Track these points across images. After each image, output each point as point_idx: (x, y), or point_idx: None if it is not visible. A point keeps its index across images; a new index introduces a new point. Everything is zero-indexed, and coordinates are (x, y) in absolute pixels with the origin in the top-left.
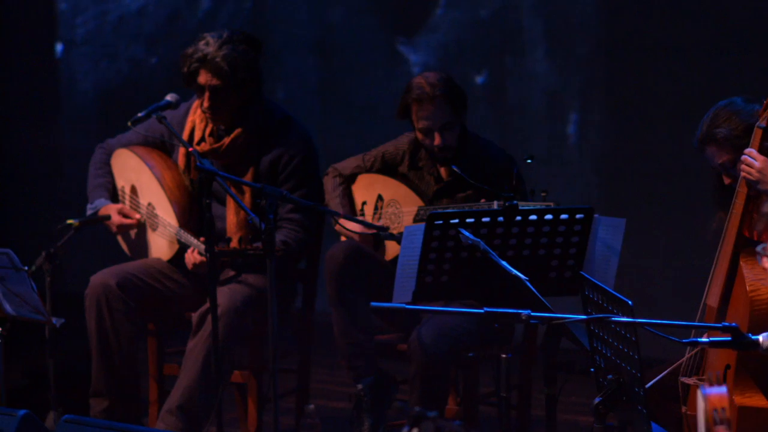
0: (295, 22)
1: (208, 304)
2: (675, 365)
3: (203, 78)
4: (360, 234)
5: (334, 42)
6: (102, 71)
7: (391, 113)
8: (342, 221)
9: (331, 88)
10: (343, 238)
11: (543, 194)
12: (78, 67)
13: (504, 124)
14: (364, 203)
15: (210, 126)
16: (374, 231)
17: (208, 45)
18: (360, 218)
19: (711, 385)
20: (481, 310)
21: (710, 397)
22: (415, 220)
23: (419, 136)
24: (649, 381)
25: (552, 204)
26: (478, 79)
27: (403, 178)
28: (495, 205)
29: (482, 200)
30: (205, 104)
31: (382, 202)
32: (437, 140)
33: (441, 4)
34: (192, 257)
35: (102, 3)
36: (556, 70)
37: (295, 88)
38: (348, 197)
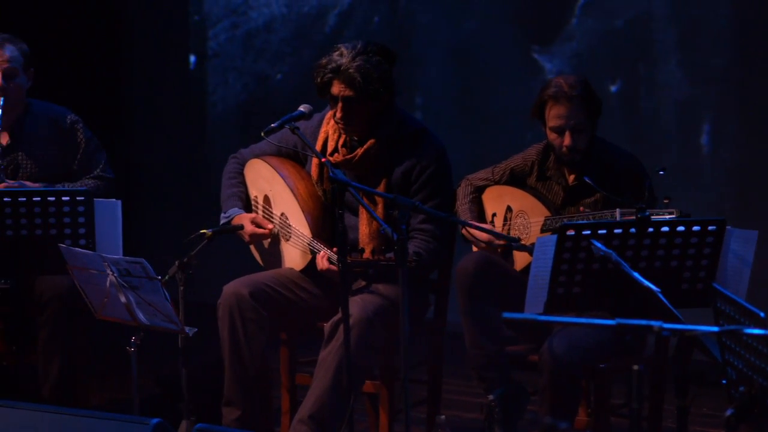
0: (434, 30)
1: (340, 314)
2: None
3: (336, 88)
4: (488, 244)
5: (471, 50)
6: (229, 86)
7: (526, 120)
8: (471, 230)
9: (467, 96)
10: (474, 249)
11: (666, 201)
12: (209, 79)
13: (636, 133)
14: (494, 215)
15: (343, 137)
16: (504, 241)
17: (342, 56)
18: (487, 226)
19: None
20: (613, 322)
21: None
22: (542, 230)
23: (549, 136)
24: None
25: (675, 211)
26: (612, 88)
27: (532, 190)
28: (617, 213)
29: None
30: (338, 115)
31: (511, 213)
32: (567, 140)
33: (576, 13)
34: (321, 262)
35: (232, 16)
36: (689, 80)
37: (432, 96)
38: (478, 205)
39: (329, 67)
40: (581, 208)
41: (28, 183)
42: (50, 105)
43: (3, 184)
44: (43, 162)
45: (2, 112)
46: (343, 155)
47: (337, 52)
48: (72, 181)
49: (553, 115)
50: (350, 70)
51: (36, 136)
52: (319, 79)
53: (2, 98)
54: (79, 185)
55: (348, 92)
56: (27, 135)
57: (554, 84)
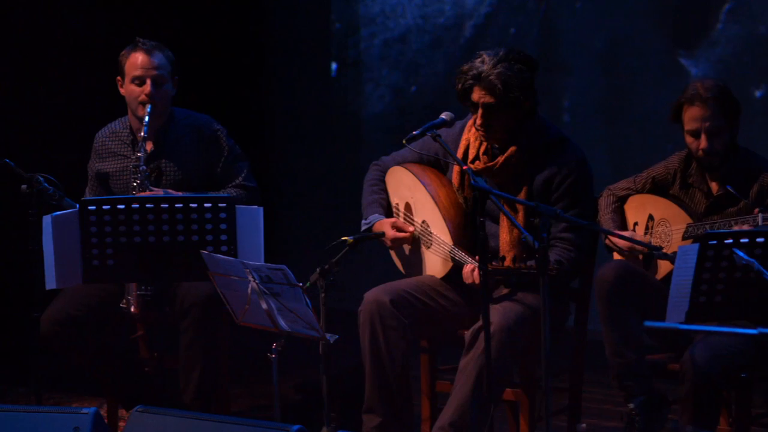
0: (582, 34)
1: (481, 322)
2: None
3: (477, 95)
4: (630, 252)
5: (618, 54)
6: (366, 95)
7: (670, 126)
8: (613, 239)
9: (613, 99)
10: (615, 257)
11: None
12: (349, 87)
13: None
14: (635, 224)
15: (484, 144)
16: (645, 249)
17: (484, 63)
18: (629, 234)
19: None
20: (755, 331)
21: None
22: (684, 238)
23: (687, 140)
24: None
25: None
26: (757, 93)
27: (674, 198)
28: (760, 218)
29: (756, 210)
30: (478, 121)
31: (653, 221)
32: (703, 143)
33: (721, 19)
34: (471, 275)
35: (370, 25)
36: None
37: (579, 99)
38: (620, 215)
39: (470, 73)
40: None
41: (171, 191)
42: (194, 113)
43: (147, 192)
44: (187, 169)
45: (149, 119)
46: (484, 163)
47: (478, 59)
48: (215, 189)
49: (689, 118)
50: (491, 77)
51: (180, 143)
52: (460, 86)
53: (150, 106)
54: (222, 193)
55: (488, 99)
56: (171, 142)
57: (691, 87)
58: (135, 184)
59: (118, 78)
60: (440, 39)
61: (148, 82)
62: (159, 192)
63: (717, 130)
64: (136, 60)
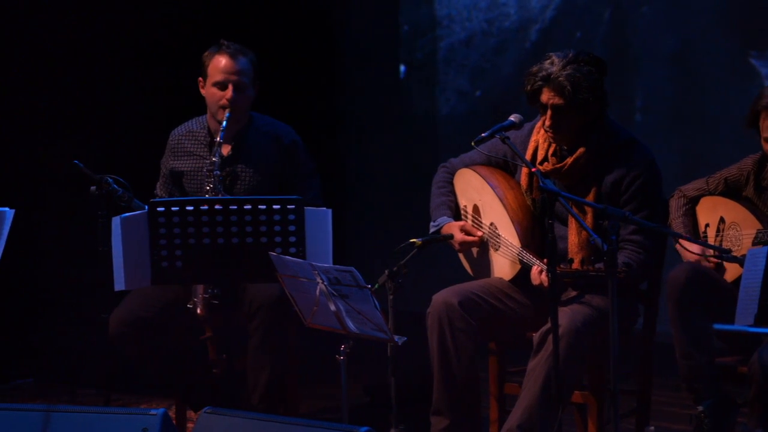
0: (651, 35)
1: (549, 324)
2: None
3: (545, 96)
4: (700, 256)
5: (688, 54)
6: (433, 99)
7: (741, 128)
8: (683, 242)
9: (684, 99)
10: (684, 259)
11: None
12: (416, 90)
13: None
14: (707, 225)
15: (553, 146)
16: (715, 253)
17: (553, 64)
18: (701, 240)
19: None
20: None
21: None
22: (754, 243)
23: (765, 146)
24: None
25: None
26: None
27: (747, 201)
28: None
29: None
30: (547, 123)
31: (724, 224)
32: None
33: None
34: (538, 277)
35: (437, 28)
36: None
37: (650, 98)
38: (692, 218)
39: (539, 75)
40: None
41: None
42: (274, 120)
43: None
44: (263, 175)
45: (227, 124)
46: (553, 164)
47: (548, 61)
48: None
49: (767, 126)
50: (560, 79)
51: (257, 149)
52: (529, 87)
53: (229, 111)
54: None
55: (557, 100)
56: (248, 148)
57: (767, 93)
58: (208, 188)
59: (200, 78)
60: (505, 43)
61: (230, 87)
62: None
63: None
64: (219, 63)
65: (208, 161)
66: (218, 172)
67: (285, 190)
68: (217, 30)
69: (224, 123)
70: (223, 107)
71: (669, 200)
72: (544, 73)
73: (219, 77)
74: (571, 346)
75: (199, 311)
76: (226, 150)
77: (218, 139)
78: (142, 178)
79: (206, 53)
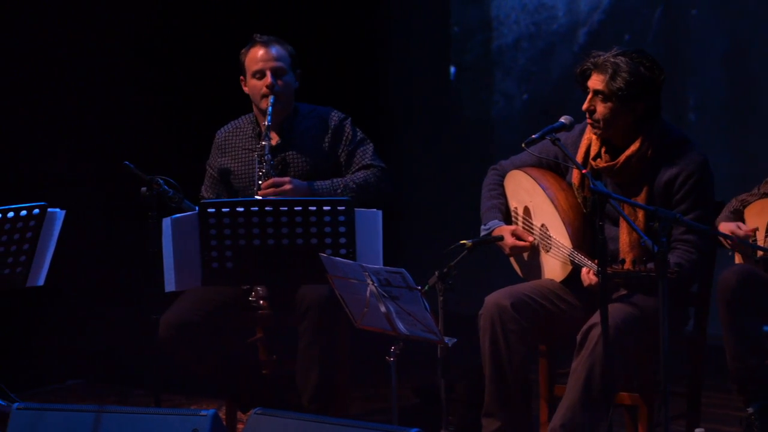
0: (704, 35)
1: (589, 323)
2: None
3: (591, 81)
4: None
5: (741, 54)
6: (481, 101)
7: None
8: (720, 227)
9: (737, 99)
10: (737, 261)
11: None
12: (466, 91)
13: None
14: (755, 229)
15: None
16: (750, 250)
17: (609, 52)
18: (752, 243)
19: None
20: None
21: None
22: None
23: None
24: None
25: None
26: None
27: None
28: None
29: None
30: (585, 105)
31: None
32: None
33: None
34: (588, 278)
35: (486, 30)
36: None
37: (704, 98)
38: (738, 216)
39: (591, 59)
40: None
41: (297, 180)
42: (316, 106)
43: (271, 180)
44: (314, 160)
45: (272, 109)
46: (606, 161)
47: (609, 52)
48: (340, 176)
49: None
50: (606, 64)
51: (307, 134)
52: (578, 69)
53: (272, 97)
54: (348, 179)
55: (597, 85)
56: (297, 134)
57: None
58: (261, 173)
59: (241, 78)
60: (553, 46)
61: (268, 74)
62: (286, 180)
63: None
64: (255, 54)
65: (258, 149)
66: (269, 156)
67: (338, 170)
68: (264, 31)
69: (270, 108)
70: (265, 95)
71: (726, 205)
72: (597, 58)
73: (256, 66)
74: (608, 343)
75: (262, 302)
76: (274, 140)
77: (266, 122)
78: (191, 179)
79: (242, 51)
